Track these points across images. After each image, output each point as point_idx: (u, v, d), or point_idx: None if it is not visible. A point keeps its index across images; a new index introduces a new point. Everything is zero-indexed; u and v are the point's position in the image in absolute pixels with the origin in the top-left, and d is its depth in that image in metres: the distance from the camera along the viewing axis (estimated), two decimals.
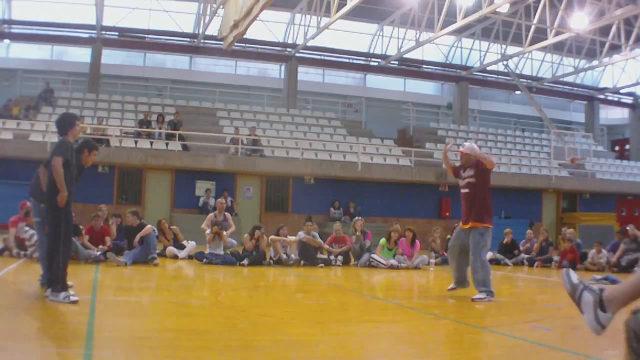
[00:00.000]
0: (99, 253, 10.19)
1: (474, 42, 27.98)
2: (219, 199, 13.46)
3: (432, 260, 12.41)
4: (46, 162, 5.94)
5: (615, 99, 32.32)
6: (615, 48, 25.01)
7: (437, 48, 28.49)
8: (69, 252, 6.01)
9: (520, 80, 27.65)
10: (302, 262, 11.55)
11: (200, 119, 22.66)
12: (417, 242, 12.34)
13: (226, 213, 12.56)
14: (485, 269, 7.08)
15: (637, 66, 29.67)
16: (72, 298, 5.53)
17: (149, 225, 11.03)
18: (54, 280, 5.63)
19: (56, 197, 5.65)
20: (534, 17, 21.46)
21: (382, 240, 12.22)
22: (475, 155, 7.43)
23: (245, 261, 10.88)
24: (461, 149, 7.68)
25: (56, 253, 5.65)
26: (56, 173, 5.65)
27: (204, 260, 10.99)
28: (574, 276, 2.78)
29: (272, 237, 11.67)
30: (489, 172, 7.43)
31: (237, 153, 19.53)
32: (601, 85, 31.56)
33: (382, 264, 11.67)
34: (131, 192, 18.90)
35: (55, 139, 7.42)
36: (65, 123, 6.05)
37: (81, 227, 10.82)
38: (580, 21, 21.11)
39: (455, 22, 20.23)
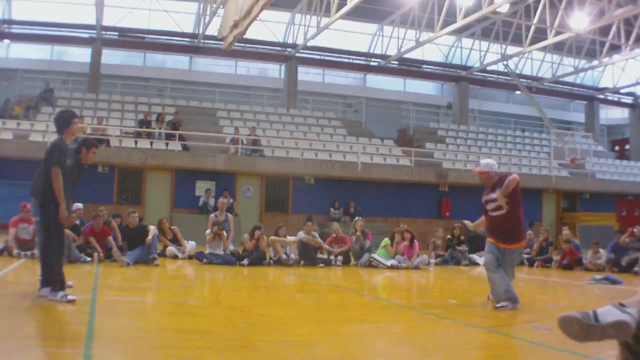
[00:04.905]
0: (89, 259, 10.12)
1: (474, 42, 27.98)
2: (220, 199, 13.40)
3: (432, 261, 12.42)
4: (43, 164, 5.77)
5: (615, 99, 32.32)
6: (615, 48, 25.01)
7: (437, 48, 28.49)
8: (62, 250, 5.94)
9: (520, 80, 27.63)
10: (302, 262, 11.56)
11: (200, 119, 22.65)
12: (416, 242, 12.33)
13: (228, 214, 12.52)
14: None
15: (637, 66, 29.68)
16: (70, 297, 5.53)
17: (152, 227, 11.04)
18: (51, 280, 5.61)
19: (50, 197, 5.56)
20: (534, 17, 21.46)
21: (386, 240, 12.21)
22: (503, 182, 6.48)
23: (245, 261, 10.89)
24: (478, 168, 6.88)
25: (47, 251, 5.62)
26: (56, 186, 5.55)
27: (204, 260, 11.00)
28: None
29: (272, 237, 11.67)
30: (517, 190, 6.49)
31: (237, 153, 19.52)
32: (601, 85, 31.56)
33: (382, 264, 11.67)
34: (131, 192, 18.90)
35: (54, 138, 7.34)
36: (62, 122, 5.87)
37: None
38: (580, 21, 21.10)
39: (455, 22, 20.23)
